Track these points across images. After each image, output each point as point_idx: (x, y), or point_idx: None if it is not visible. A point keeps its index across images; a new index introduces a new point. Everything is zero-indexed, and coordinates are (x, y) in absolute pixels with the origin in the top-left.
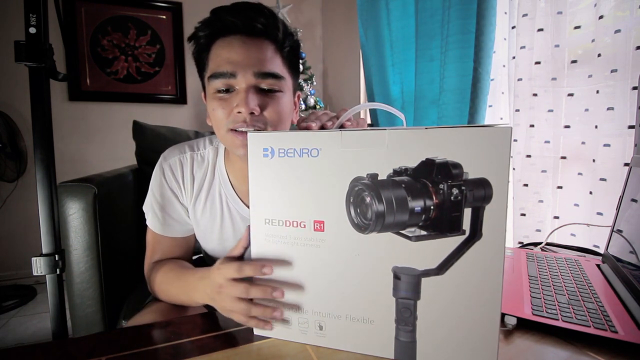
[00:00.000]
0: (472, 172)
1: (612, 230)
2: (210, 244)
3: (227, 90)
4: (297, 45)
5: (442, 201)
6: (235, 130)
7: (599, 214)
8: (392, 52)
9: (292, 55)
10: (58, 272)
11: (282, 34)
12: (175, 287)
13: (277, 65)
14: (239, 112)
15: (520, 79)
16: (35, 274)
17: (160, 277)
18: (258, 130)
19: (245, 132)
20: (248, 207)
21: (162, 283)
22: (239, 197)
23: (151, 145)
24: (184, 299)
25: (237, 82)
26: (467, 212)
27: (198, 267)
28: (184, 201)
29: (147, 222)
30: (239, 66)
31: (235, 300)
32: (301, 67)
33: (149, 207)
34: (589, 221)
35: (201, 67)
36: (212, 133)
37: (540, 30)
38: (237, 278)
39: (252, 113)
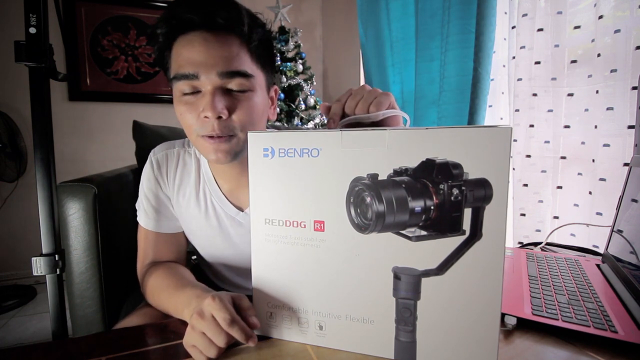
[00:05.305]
0: (472, 172)
1: (612, 230)
2: (199, 241)
3: (194, 92)
4: (267, 38)
5: (442, 201)
6: (206, 136)
7: (599, 214)
8: (392, 52)
9: (262, 49)
10: (58, 272)
11: (248, 26)
12: (164, 300)
13: (244, 62)
14: (206, 117)
15: (520, 79)
16: (35, 274)
17: (152, 283)
18: (229, 136)
19: (216, 137)
20: (234, 205)
21: (153, 292)
22: (224, 195)
23: (151, 145)
24: (172, 313)
25: (202, 83)
26: (467, 212)
27: (193, 270)
28: (167, 192)
29: (138, 219)
30: (202, 67)
31: (201, 335)
32: (301, 67)
33: (140, 203)
34: (588, 221)
35: (165, 68)
36: None
37: (540, 30)
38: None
39: (219, 117)
